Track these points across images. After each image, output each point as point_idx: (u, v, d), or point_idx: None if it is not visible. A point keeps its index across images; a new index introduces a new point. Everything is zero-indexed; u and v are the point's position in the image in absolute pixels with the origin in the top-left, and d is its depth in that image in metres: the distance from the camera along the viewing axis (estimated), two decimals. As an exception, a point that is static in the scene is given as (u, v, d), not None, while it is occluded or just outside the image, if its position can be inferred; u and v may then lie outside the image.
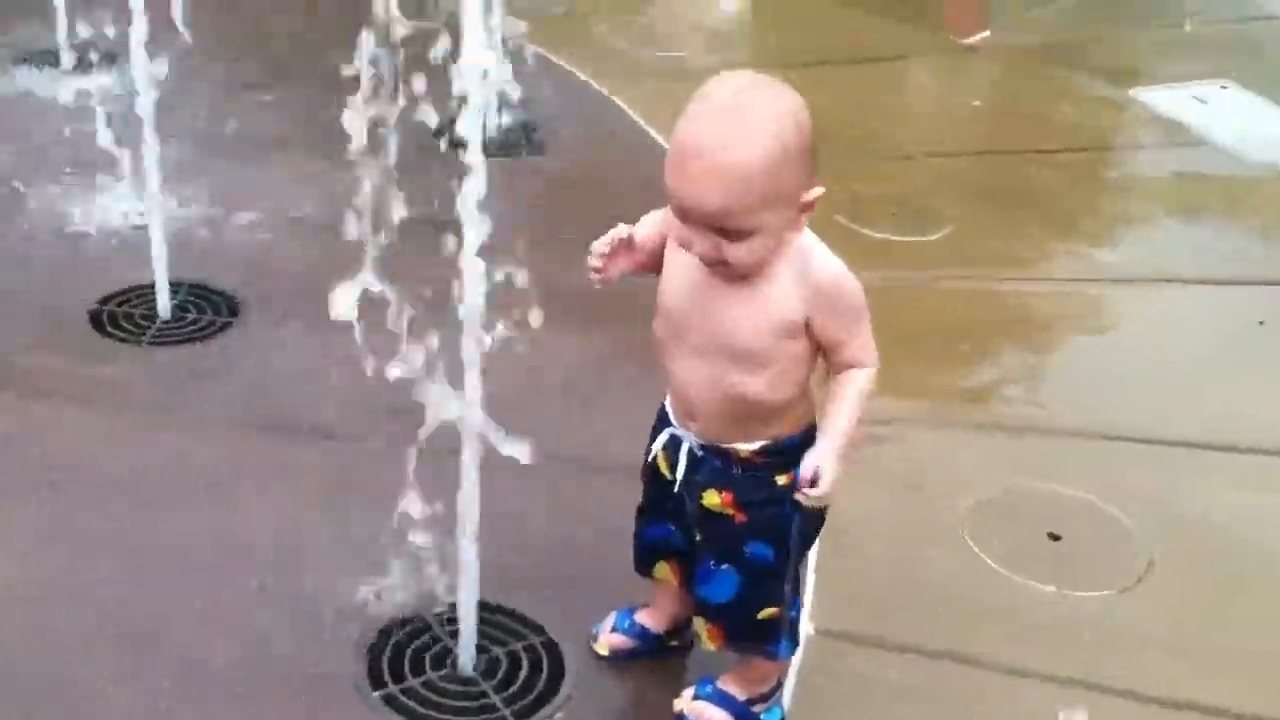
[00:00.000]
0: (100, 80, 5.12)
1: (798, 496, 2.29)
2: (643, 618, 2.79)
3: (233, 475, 3.26)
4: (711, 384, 2.32)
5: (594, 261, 2.38)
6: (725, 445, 2.39)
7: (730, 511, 2.42)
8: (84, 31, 4.99)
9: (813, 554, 2.70)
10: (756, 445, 2.37)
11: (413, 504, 2.66)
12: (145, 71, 3.59)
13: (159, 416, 3.49)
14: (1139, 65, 6.37)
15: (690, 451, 2.44)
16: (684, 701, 2.65)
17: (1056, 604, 3.07)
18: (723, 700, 2.62)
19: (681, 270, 2.31)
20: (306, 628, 2.79)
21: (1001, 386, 3.98)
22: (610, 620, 2.81)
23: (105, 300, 3.91)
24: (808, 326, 2.26)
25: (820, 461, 2.24)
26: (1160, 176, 5.41)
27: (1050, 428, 3.72)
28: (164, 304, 3.85)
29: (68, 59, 5.32)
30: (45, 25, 5.36)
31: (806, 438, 2.37)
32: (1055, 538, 3.29)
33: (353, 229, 2.35)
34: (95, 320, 3.83)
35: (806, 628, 2.81)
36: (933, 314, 4.22)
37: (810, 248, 2.26)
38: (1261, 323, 4.29)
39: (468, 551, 2.59)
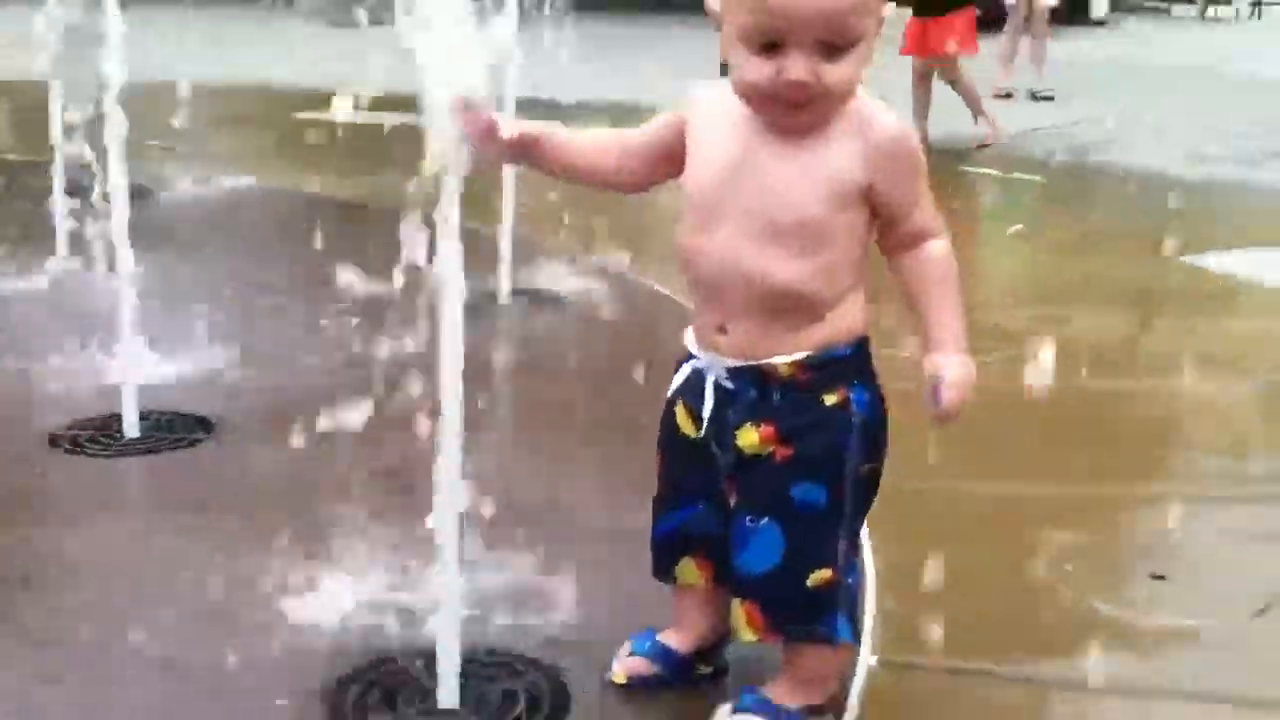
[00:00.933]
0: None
1: (937, 408, 1.99)
2: (666, 638, 2.33)
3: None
4: (749, 275, 1.99)
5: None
6: (762, 361, 2.02)
7: (771, 448, 2.04)
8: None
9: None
10: (799, 356, 2.02)
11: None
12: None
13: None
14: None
15: (717, 385, 2.07)
16: (721, 718, 2.13)
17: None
18: (770, 711, 2.12)
19: (720, 146, 2.03)
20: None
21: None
22: (627, 644, 2.33)
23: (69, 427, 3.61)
24: (869, 193, 1.98)
25: (962, 377, 1.99)
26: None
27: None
28: (131, 423, 3.52)
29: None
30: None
31: (857, 350, 2.05)
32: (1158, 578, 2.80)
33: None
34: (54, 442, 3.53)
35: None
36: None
37: (868, 105, 2.00)
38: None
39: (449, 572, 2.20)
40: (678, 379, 2.15)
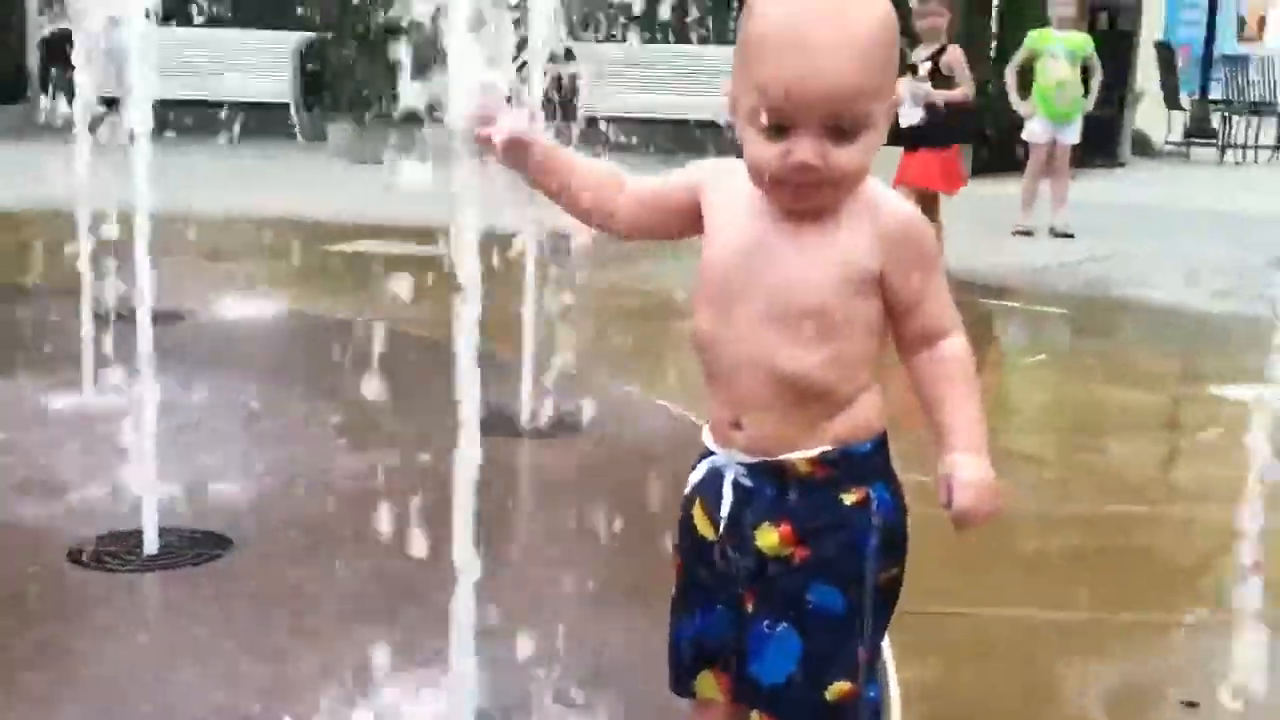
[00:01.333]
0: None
1: (951, 511, 1.93)
2: (683, 761, 2.24)
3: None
4: (766, 362, 1.94)
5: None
6: (779, 458, 1.97)
7: (789, 549, 1.98)
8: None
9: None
10: (816, 452, 1.96)
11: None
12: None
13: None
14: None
15: (736, 483, 2.02)
16: (742, 835, 2.08)
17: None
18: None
19: (735, 229, 1.99)
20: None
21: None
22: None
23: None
24: (882, 281, 1.93)
25: (979, 478, 1.91)
26: None
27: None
28: (151, 538, 3.52)
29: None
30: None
31: (878, 448, 2.00)
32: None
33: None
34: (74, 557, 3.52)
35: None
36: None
37: (879, 191, 1.97)
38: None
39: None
40: (694, 477, 2.09)
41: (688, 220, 2.08)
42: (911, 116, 7.67)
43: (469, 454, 2.29)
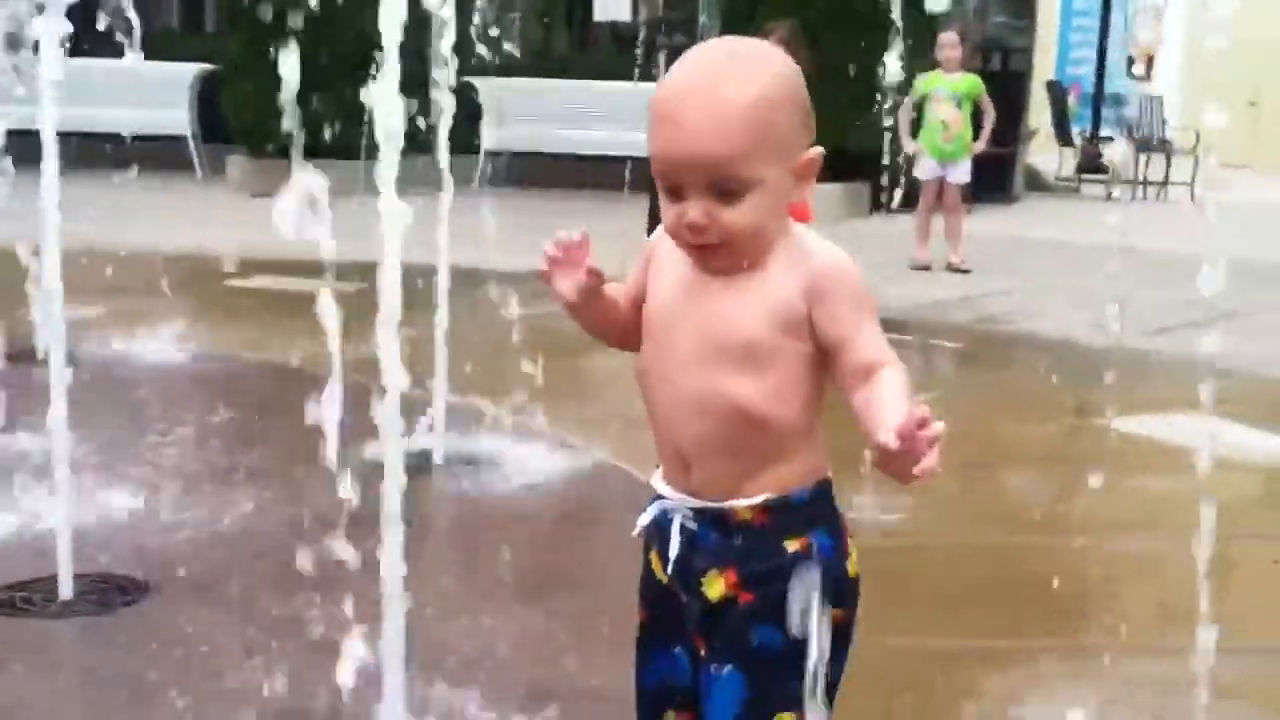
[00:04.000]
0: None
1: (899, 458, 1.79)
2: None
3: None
4: (702, 401, 2.01)
5: (550, 251, 2.11)
6: (724, 504, 2.04)
7: (735, 594, 2.04)
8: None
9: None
10: (759, 500, 2.02)
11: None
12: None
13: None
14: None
15: (683, 528, 2.07)
16: None
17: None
18: None
19: (671, 278, 2.08)
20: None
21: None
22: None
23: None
24: (811, 324, 1.99)
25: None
26: None
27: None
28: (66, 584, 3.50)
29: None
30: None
31: (820, 494, 2.06)
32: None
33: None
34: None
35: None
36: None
37: (809, 239, 2.05)
38: None
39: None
40: (644, 518, 2.14)
41: None
42: None
43: (391, 492, 2.33)
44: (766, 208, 1.97)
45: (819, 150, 2.02)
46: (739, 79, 1.95)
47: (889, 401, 1.90)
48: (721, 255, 2.00)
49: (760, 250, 2.01)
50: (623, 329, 2.19)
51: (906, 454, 1.79)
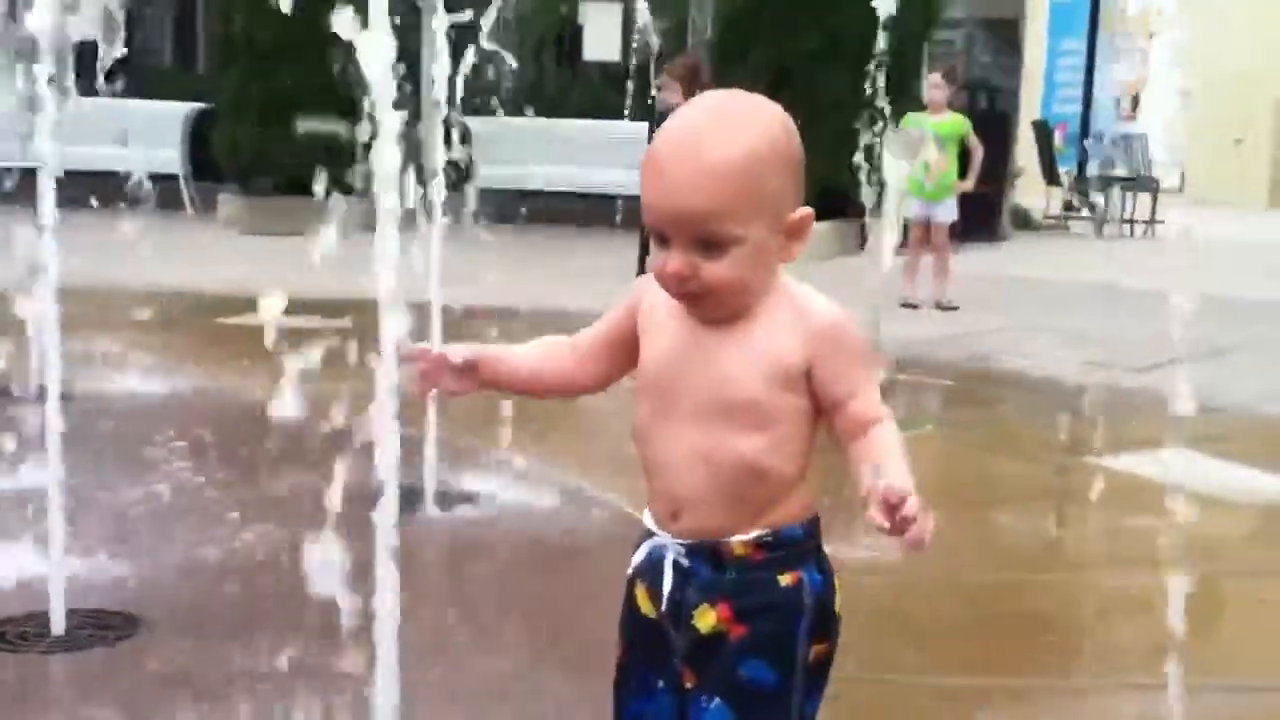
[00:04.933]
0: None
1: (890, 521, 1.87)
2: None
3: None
4: (705, 454, 2.04)
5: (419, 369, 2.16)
6: (717, 540, 2.06)
7: (725, 628, 2.06)
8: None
9: None
10: (753, 535, 2.06)
11: None
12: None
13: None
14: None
15: (676, 564, 2.10)
16: None
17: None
18: None
19: (668, 333, 2.11)
20: None
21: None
22: None
23: (-6, 623, 3.60)
24: (809, 377, 2.03)
25: (900, 484, 1.89)
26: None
27: None
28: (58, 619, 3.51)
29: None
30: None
31: (810, 531, 2.09)
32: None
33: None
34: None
35: None
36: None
37: (806, 293, 2.08)
38: None
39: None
40: (636, 558, 2.16)
41: (638, 347, 2.16)
42: None
43: (387, 531, 2.35)
44: (749, 263, 2.01)
45: (808, 211, 2.04)
46: (725, 136, 1.98)
47: (884, 459, 1.98)
48: (705, 304, 2.04)
49: (744, 302, 2.04)
50: (568, 381, 2.22)
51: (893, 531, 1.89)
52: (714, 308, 2.04)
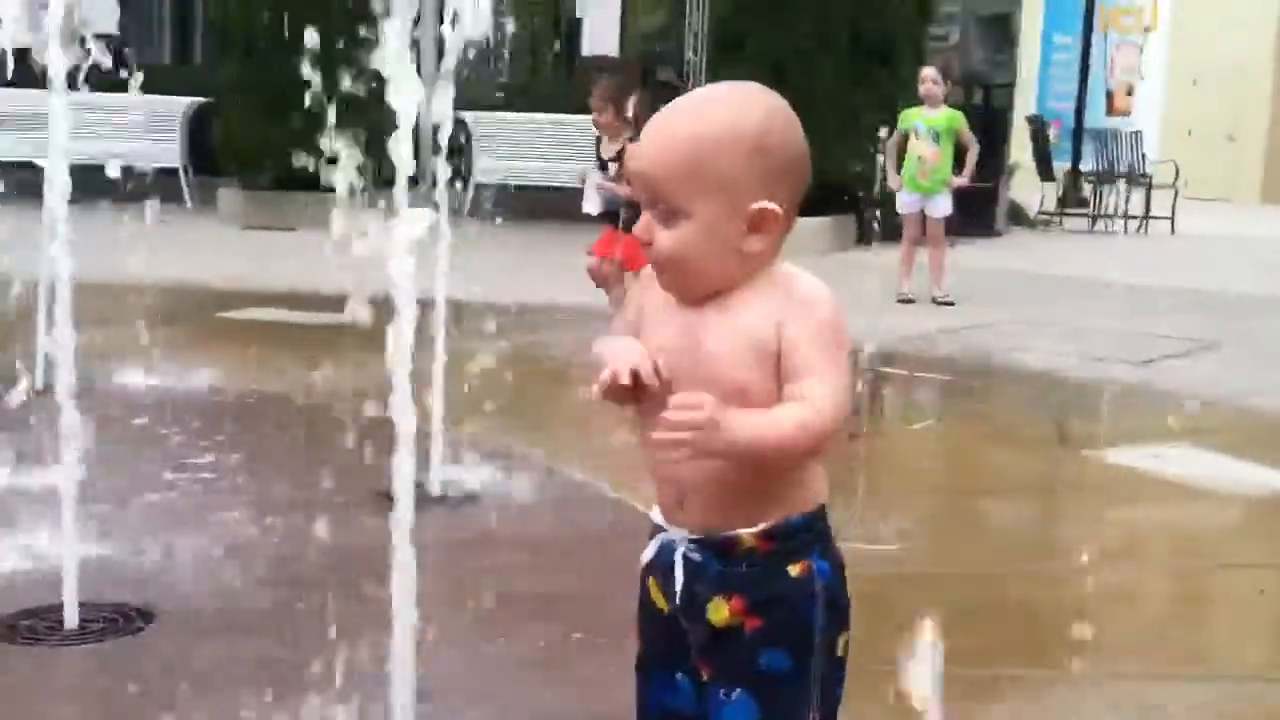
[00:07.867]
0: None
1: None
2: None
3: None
4: None
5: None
6: (725, 533, 2.09)
7: (741, 620, 2.09)
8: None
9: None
10: (761, 528, 2.07)
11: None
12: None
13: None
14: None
15: (686, 558, 2.12)
16: None
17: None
18: None
19: (661, 322, 2.12)
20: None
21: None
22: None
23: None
24: (779, 345, 2.02)
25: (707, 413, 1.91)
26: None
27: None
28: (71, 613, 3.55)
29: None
30: None
31: (816, 519, 2.11)
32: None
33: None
34: (-6, 633, 3.56)
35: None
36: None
37: (795, 273, 2.08)
38: None
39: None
40: (647, 553, 2.18)
41: None
42: (591, 206, 7.89)
43: (402, 524, 2.39)
44: (698, 241, 2.03)
45: (771, 206, 2.02)
46: (694, 111, 2.06)
47: (751, 411, 1.96)
48: (666, 277, 2.09)
49: (705, 283, 2.06)
50: None
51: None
52: (675, 284, 2.08)
